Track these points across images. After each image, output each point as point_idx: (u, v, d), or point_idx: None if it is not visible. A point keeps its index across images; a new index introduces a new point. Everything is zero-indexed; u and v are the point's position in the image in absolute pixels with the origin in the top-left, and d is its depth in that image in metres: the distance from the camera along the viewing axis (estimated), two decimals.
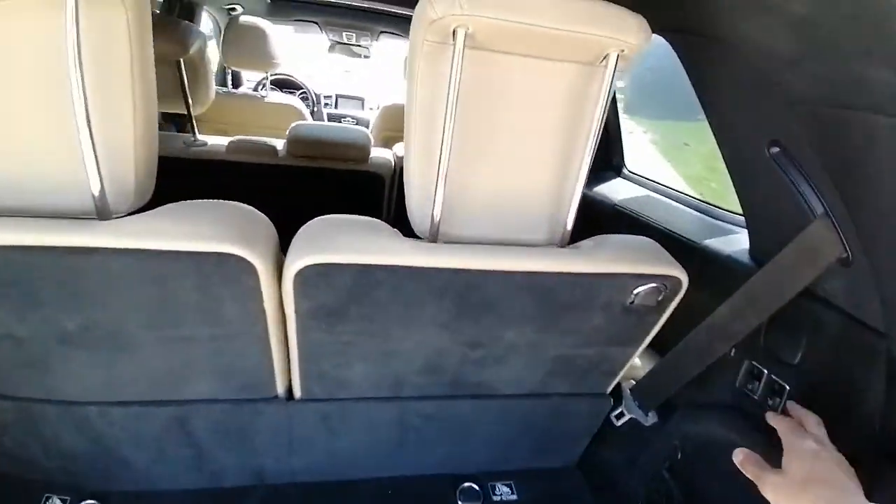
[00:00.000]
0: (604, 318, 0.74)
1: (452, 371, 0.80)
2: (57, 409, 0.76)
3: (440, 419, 0.89)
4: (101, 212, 0.60)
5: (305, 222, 0.71)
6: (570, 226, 0.71)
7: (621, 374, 0.89)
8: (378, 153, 1.56)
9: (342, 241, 0.64)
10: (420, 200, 0.67)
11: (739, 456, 0.57)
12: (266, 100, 2.16)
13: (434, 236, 0.67)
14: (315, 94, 3.08)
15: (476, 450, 0.99)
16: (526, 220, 0.71)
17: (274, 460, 0.92)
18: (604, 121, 0.66)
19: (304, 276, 0.62)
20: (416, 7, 0.57)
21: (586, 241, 0.75)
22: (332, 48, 2.78)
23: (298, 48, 3.45)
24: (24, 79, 0.55)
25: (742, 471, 0.56)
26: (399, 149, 1.60)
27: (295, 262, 0.62)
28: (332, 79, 3.72)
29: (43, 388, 0.73)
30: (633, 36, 0.58)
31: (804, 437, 0.54)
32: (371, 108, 3.29)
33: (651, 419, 0.91)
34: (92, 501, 0.88)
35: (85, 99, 0.53)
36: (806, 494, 0.49)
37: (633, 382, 0.93)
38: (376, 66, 3.52)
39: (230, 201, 0.69)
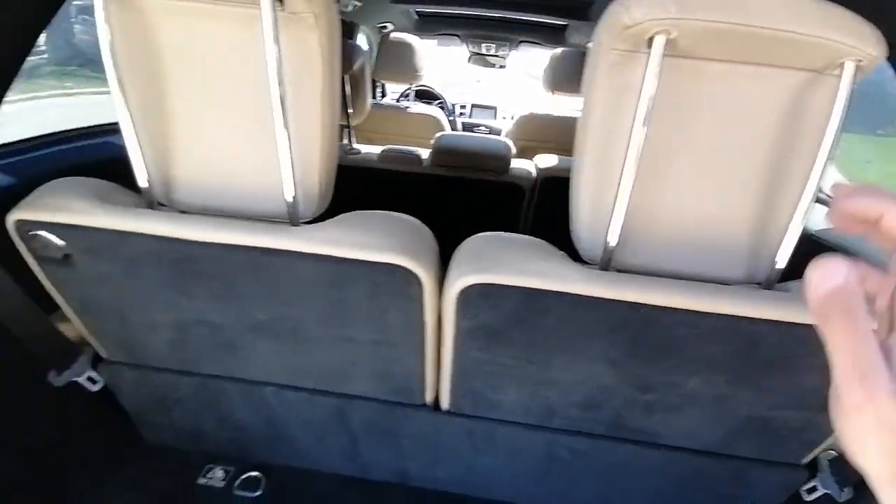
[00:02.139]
0: (822, 379, 0.61)
1: (614, 411, 0.73)
2: (238, 387, 0.85)
3: (592, 458, 0.82)
4: (293, 217, 0.65)
5: (448, 230, 0.69)
6: (781, 263, 0.60)
7: (825, 443, 0.74)
8: (519, 164, 1.53)
9: (509, 262, 0.61)
10: (591, 222, 0.61)
11: None
12: (409, 110, 2.26)
13: (606, 264, 0.61)
14: (450, 104, 3.17)
15: (629, 498, 0.90)
16: (718, 253, 0.62)
17: (419, 464, 0.93)
18: (838, 140, 0.54)
19: (467, 294, 0.61)
20: (605, 14, 0.52)
21: (800, 283, 0.63)
22: (470, 59, 2.84)
23: (436, 59, 3.60)
24: (230, 90, 0.61)
25: None
26: (540, 160, 1.55)
27: (459, 280, 0.61)
28: (464, 88, 3.81)
29: (227, 368, 0.82)
30: (872, 47, 0.48)
31: None
32: (504, 118, 3.29)
33: (846, 494, 0.74)
34: (256, 473, 0.98)
35: (284, 113, 0.57)
36: None
37: (834, 453, 0.76)
38: (508, 75, 3.52)
39: (399, 213, 0.71)
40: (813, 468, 0.77)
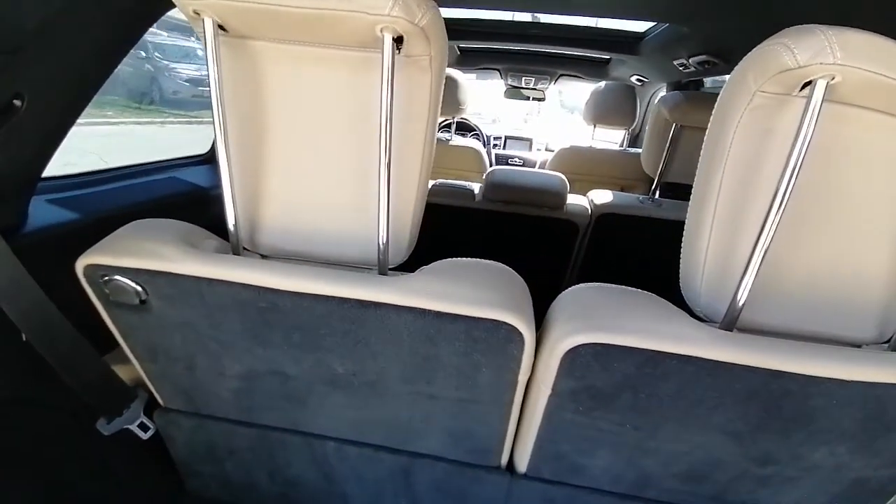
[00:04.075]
0: None
1: (721, 484, 0.66)
2: (298, 440, 0.80)
3: None
4: (382, 266, 0.61)
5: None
6: None
7: None
8: (573, 200, 1.48)
9: (627, 319, 0.56)
10: (715, 277, 0.56)
11: None
12: (450, 143, 2.26)
13: (730, 323, 0.55)
14: (486, 136, 3.17)
15: None
16: (850, 312, 0.56)
17: None
18: None
19: (576, 353, 0.55)
20: (756, 54, 0.49)
21: None
22: (507, 93, 2.85)
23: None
24: (330, 133, 0.58)
25: None
26: (596, 195, 1.51)
27: (568, 338, 0.55)
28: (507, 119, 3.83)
29: (290, 420, 0.78)
30: None
31: None
32: (538, 149, 3.27)
33: None
34: None
35: (389, 158, 0.54)
36: None
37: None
38: (543, 107, 3.53)
39: (492, 261, 0.66)
40: None
